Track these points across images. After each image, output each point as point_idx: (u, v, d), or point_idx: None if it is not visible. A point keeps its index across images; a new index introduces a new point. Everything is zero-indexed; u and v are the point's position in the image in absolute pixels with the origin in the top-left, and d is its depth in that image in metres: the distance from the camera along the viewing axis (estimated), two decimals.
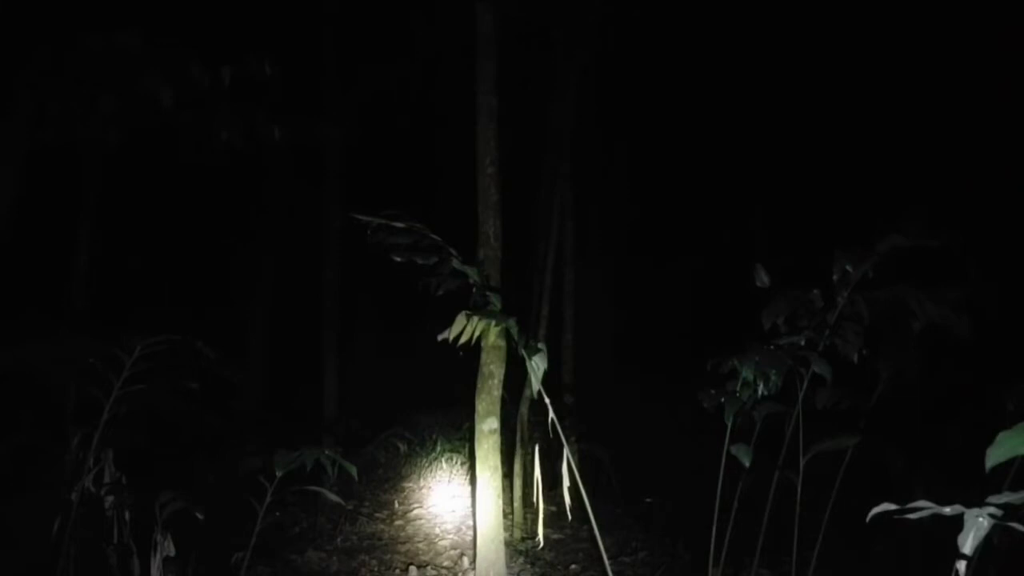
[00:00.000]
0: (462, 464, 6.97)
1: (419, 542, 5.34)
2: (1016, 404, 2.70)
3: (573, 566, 4.75)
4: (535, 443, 3.42)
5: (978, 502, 1.30)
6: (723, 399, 2.90)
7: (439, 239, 2.92)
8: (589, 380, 7.38)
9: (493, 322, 2.93)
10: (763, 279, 3.00)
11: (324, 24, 7.31)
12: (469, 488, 6.33)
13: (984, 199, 6.25)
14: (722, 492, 2.97)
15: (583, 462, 5.87)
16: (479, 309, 2.94)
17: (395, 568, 4.74)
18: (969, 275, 2.91)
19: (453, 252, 2.93)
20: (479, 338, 2.97)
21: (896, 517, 1.31)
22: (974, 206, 6.19)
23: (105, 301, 6.73)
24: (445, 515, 6.01)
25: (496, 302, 3.01)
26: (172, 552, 3.22)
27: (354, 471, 3.03)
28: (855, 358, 2.75)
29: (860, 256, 2.69)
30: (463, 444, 7.11)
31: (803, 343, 2.82)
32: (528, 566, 4.72)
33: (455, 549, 5.16)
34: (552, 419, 2.68)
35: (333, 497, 3.43)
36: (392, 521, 5.87)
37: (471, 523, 5.27)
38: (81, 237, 6.11)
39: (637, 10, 7.37)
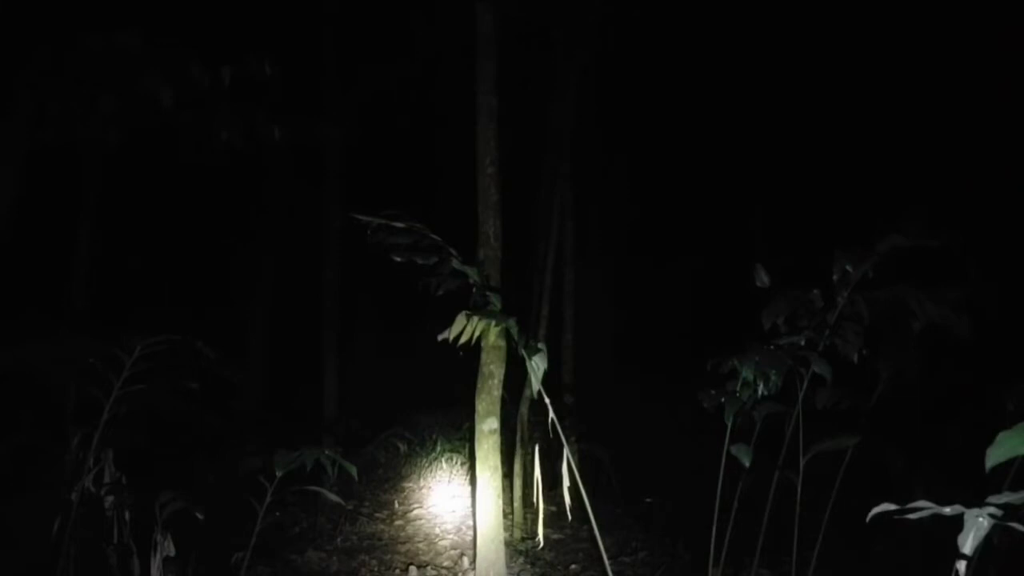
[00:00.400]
0: (462, 464, 6.97)
1: (419, 542, 5.34)
2: (1016, 404, 2.70)
3: (573, 566, 4.75)
4: (535, 443, 3.42)
5: (978, 502, 1.30)
6: (723, 399, 2.90)
7: (439, 239, 2.92)
8: (589, 380, 7.38)
9: (493, 322, 2.93)
10: (763, 279, 3.00)
11: (324, 24, 7.31)
12: (469, 488, 6.33)
13: (984, 199, 6.25)
14: (722, 492, 2.97)
15: (583, 462, 5.87)
16: (479, 309, 2.94)
17: (395, 568, 4.74)
18: (969, 275, 2.91)
19: (453, 252, 2.93)
20: (479, 338, 2.97)
21: (896, 517, 1.31)
22: (974, 206, 6.19)
23: (105, 301, 6.73)
24: (445, 515, 6.01)
25: (496, 302, 3.01)
26: (172, 552, 3.22)
27: (354, 471, 3.03)
28: (855, 358, 2.75)
29: (860, 256, 2.69)
30: (463, 444, 7.11)
31: (803, 343, 2.82)
32: (528, 566, 4.72)
33: (455, 549, 5.16)
34: (552, 419, 2.68)
35: (333, 497, 3.43)
36: (392, 521, 5.87)
37: (471, 523, 5.27)
38: (81, 237, 6.11)
39: (637, 10, 7.37)
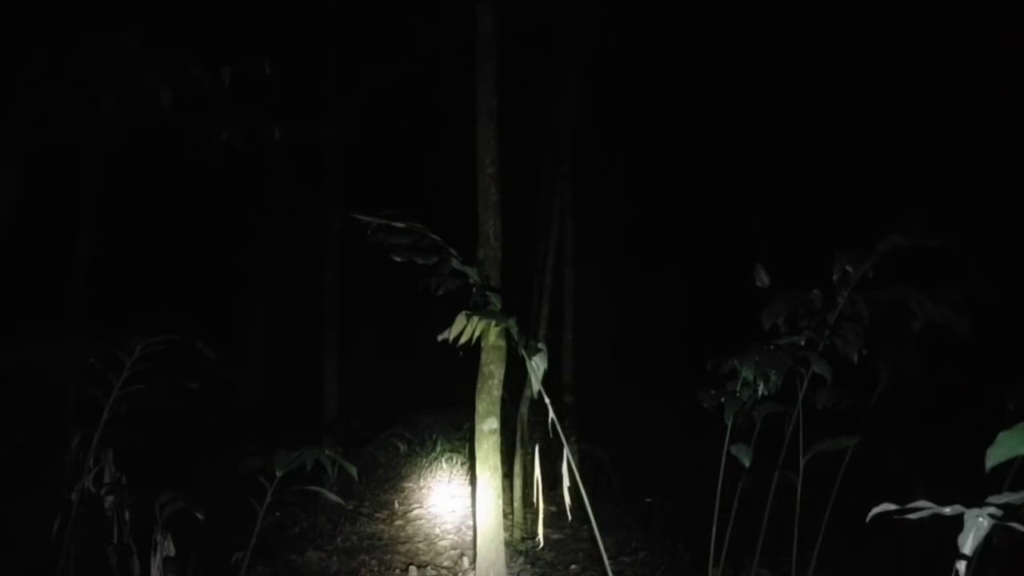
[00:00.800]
0: (462, 464, 6.97)
1: (419, 542, 5.34)
2: (1016, 404, 2.71)
3: (573, 566, 4.75)
4: (535, 443, 3.41)
5: (978, 502, 1.30)
6: (723, 399, 2.90)
7: (439, 239, 2.92)
8: (589, 380, 7.37)
9: (493, 322, 2.93)
10: (763, 279, 3.00)
11: (324, 24, 7.31)
12: (469, 488, 6.33)
13: (984, 199, 6.25)
14: (722, 492, 2.97)
15: (583, 462, 5.87)
16: (479, 309, 2.94)
17: (395, 568, 4.74)
18: (969, 275, 2.91)
19: (453, 252, 2.93)
20: (479, 338, 2.97)
21: (896, 517, 1.31)
22: (974, 206, 6.19)
23: (105, 301, 6.74)
24: (445, 515, 6.01)
25: (496, 302, 3.01)
26: (172, 552, 3.22)
27: (354, 471, 3.03)
28: (855, 358, 2.75)
29: (860, 256, 2.69)
30: (463, 444, 7.11)
31: (803, 343, 2.82)
32: (528, 566, 4.72)
33: (455, 549, 5.16)
34: (552, 419, 2.68)
35: (333, 497, 3.43)
36: (392, 521, 5.87)
37: (471, 523, 5.27)
38: (81, 237, 6.12)
39: (637, 10, 7.37)
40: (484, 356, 3.98)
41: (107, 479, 3.29)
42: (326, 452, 2.97)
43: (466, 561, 4.81)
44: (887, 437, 3.16)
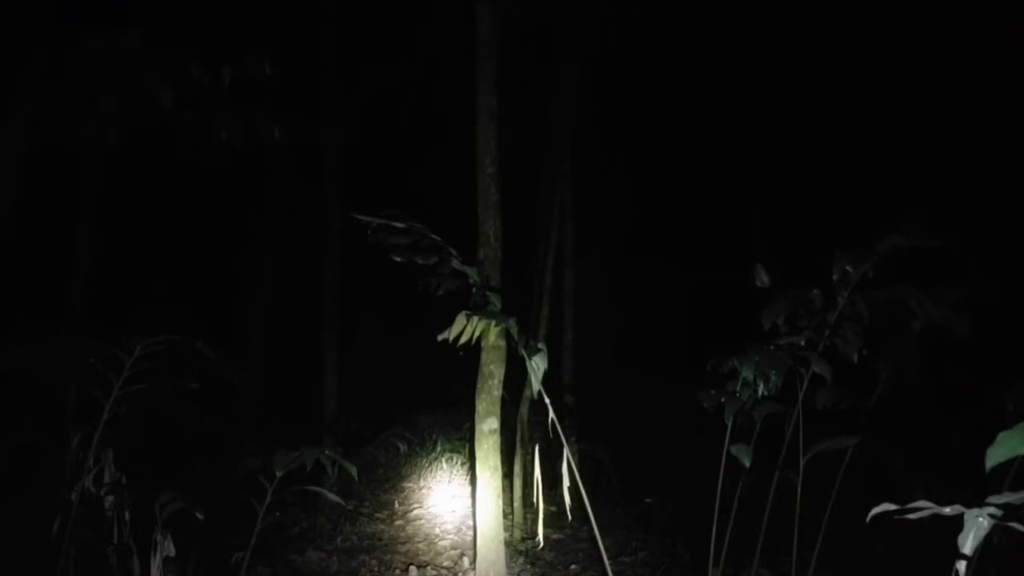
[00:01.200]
0: (462, 464, 6.97)
1: (419, 542, 5.34)
2: (1016, 404, 2.71)
3: (573, 566, 4.75)
4: (535, 443, 3.41)
5: (978, 502, 1.30)
6: (723, 399, 2.90)
7: (439, 239, 2.92)
8: (589, 380, 7.37)
9: (493, 322, 2.93)
10: (763, 279, 3.00)
11: (324, 24, 7.31)
12: (469, 488, 6.33)
13: (984, 199, 6.25)
14: (722, 492, 2.97)
15: (583, 462, 5.87)
16: (479, 309, 2.94)
17: (395, 568, 4.74)
18: (969, 275, 2.91)
19: (453, 252, 2.93)
20: (479, 338, 2.97)
21: (896, 517, 1.31)
22: (974, 206, 6.19)
23: (105, 301, 6.74)
24: (445, 515, 6.01)
25: (496, 302, 3.01)
26: (172, 552, 3.22)
27: (354, 471, 3.03)
28: (855, 358, 2.75)
29: (860, 256, 2.69)
30: (463, 444, 7.11)
31: (803, 343, 2.82)
32: (528, 566, 4.72)
33: (455, 549, 5.16)
34: (552, 419, 2.68)
35: (333, 497, 3.43)
36: (392, 521, 5.87)
37: (471, 523, 5.27)
38: (81, 237, 6.12)
39: (637, 10, 7.38)
40: (484, 356, 3.98)
41: (107, 479, 3.29)
42: (326, 452, 2.97)
43: (466, 561, 4.81)
44: (887, 437, 3.16)
